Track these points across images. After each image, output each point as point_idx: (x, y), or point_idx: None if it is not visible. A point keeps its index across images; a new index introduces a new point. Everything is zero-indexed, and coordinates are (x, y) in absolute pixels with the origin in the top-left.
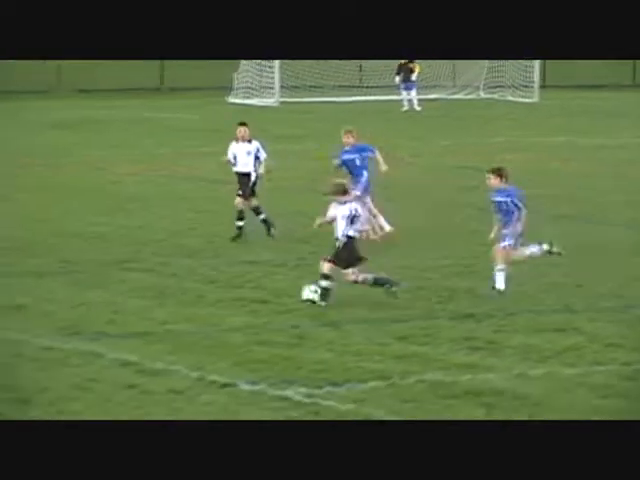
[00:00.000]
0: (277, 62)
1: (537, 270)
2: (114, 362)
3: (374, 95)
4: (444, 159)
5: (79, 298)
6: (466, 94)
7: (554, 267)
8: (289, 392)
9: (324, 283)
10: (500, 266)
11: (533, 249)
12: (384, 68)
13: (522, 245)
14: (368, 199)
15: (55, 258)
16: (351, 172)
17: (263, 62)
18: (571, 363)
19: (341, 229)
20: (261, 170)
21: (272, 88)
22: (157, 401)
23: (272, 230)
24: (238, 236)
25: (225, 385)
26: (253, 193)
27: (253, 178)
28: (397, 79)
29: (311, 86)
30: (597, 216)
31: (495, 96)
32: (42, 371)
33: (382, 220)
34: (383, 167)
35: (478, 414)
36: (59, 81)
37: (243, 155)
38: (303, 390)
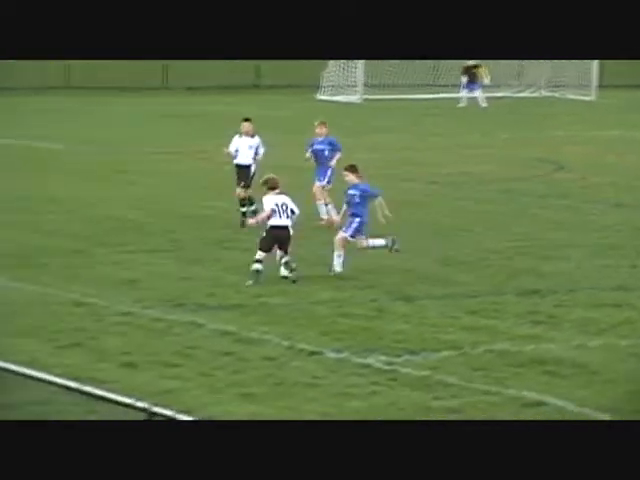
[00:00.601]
0: (361, 62)
1: (596, 252)
2: (213, 332)
3: (447, 93)
4: (509, 151)
5: (183, 273)
6: (530, 92)
7: (612, 249)
8: (370, 360)
9: (254, 266)
10: (338, 252)
11: (376, 242)
12: (457, 68)
13: (371, 236)
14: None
15: (166, 238)
16: (318, 161)
17: (348, 62)
18: (625, 335)
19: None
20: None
21: (356, 86)
22: (252, 367)
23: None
24: (244, 222)
25: (313, 353)
26: (249, 185)
27: (253, 170)
28: (463, 80)
29: (391, 84)
30: None
31: (556, 94)
32: (149, 339)
33: (330, 210)
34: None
35: (542, 380)
36: (166, 79)
37: (245, 148)
38: (383, 358)
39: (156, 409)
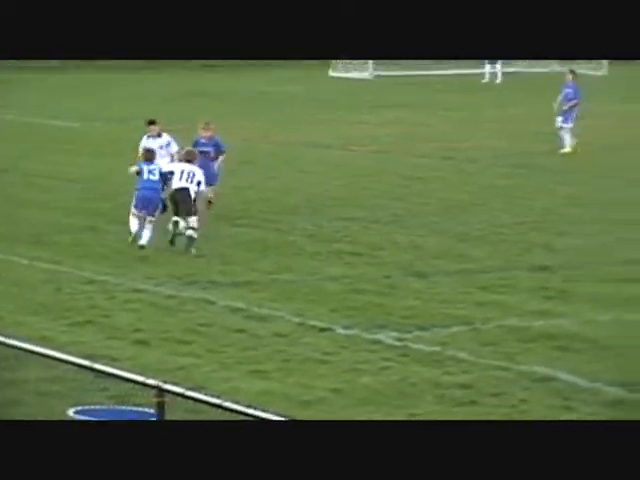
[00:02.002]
0: None
1: (608, 227)
2: (225, 308)
3: (459, 69)
4: (523, 126)
5: (195, 250)
6: (542, 67)
7: (624, 224)
8: (381, 336)
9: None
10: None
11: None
12: None
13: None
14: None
15: None
16: (202, 161)
17: None
18: (636, 309)
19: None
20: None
21: (367, 63)
22: (263, 344)
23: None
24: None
25: (324, 329)
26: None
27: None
28: None
29: (402, 61)
30: None
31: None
32: (161, 316)
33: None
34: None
35: (552, 355)
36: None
37: (157, 149)
38: (394, 334)
39: (167, 386)
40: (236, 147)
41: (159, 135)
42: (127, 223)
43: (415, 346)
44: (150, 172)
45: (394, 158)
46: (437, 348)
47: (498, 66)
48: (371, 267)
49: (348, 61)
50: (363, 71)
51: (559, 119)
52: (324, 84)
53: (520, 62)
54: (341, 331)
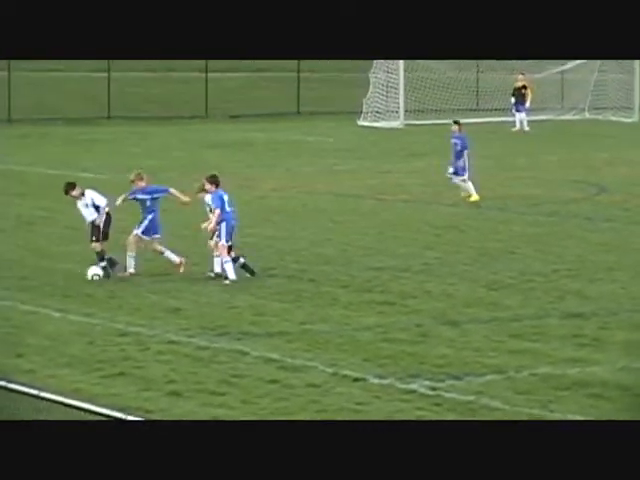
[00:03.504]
0: (401, 88)
1: (637, 274)
2: (258, 359)
3: (489, 117)
4: (553, 174)
5: (228, 302)
6: (573, 115)
7: None
8: (414, 385)
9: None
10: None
11: (171, 256)
12: (498, 92)
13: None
14: (155, 236)
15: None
16: (141, 210)
17: (389, 87)
18: None
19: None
20: (100, 217)
21: (397, 112)
22: (297, 394)
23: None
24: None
25: (357, 379)
26: (105, 237)
27: (98, 224)
28: (512, 100)
29: (432, 109)
30: None
31: (599, 117)
32: (194, 367)
33: (170, 254)
34: (184, 199)
35: (586, 404)
36: (209, 108)
37: (84, 209)
38: (427, 383)
39: None
40: (267, 197)
41: (82, 194)
42: (157, 275)
43: (449, 395)
44: (228, 203)
45: (424, 207)
46: (471, 397)
47: (523, 115)
48: (403, 316)
49: (378, 110)
50: (393, 120)
51: (450, 170)
52: (353, 133)
53: (550, 110)
54: (374, 381)
